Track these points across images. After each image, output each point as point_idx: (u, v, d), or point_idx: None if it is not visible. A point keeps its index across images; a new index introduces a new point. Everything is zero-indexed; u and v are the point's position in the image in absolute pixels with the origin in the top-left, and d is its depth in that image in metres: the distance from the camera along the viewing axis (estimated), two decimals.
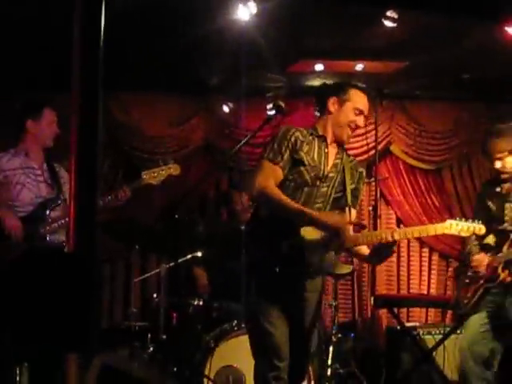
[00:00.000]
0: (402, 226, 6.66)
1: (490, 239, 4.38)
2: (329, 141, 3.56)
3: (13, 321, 1.75)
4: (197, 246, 5.63)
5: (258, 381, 3.49)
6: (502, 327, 4.43)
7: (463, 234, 3.68)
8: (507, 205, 4.45)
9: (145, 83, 6.21)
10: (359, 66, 5.94)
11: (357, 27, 5.13)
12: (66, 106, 1.78)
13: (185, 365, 5.03)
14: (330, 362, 5.49)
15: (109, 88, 2.16)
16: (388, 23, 4.82)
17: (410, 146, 7.12)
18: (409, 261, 7.21)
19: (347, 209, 3.53)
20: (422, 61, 5.80)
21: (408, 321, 6.81)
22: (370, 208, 6.27)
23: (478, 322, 4.46)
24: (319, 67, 5.96)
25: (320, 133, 3.56)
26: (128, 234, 5.38)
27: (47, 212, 4.29)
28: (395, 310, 6.15)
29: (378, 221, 6.02)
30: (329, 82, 5.13)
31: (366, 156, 6.58)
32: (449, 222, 3.62)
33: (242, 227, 4.71)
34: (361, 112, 3.56)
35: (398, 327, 5.79)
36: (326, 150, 3.54)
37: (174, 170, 4.57)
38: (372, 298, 6.33)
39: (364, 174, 3.73)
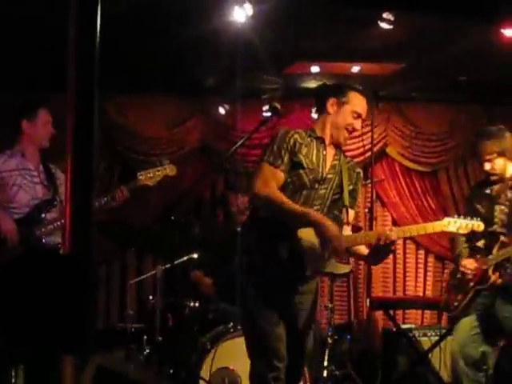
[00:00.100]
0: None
1: (480, 241, 4.38)
2: (327, 142, 3.55)
3: (8, 322, 1.75)
4: (193, 247, 5.62)
5: (255, 382, 3.47)
6: (492, 330, 4.43)
7: (461, 232, 3.68)
8: (497, 207, 4.44)
9: (141, 85, 6.21)
10: (355, 68, 5.94)
11: (353, 29, 5.13)
12: (62, 107, 1.77)
13: (181, 366, 5.02)
14: (326, 363, 5.48)
15: (105, 90, 2.16)
16: (384, 25, 4.81)
17: (406, 147, 7.12)
18: (405, 263, 7.21)
19: (344, 210, 3.53)
20: (418, 63, 5.81)
21: (404, 323, 6.81)
22: (366, 210, 6.26)
23: (468, 324, 4.46)
24: (315, 69, 5.96)
25: (318, 134, 3.55)
26: (124, 235, 5.38)
27: (43, 214, 4.28)
28: (391, 311, 6.17)
29: (374, 223, 6.01)
30: (329, 82, 5.13)
31: (362, 158, 6.58)
32: (447, 219, 3.62)
33: (238, 229, 4.70)
34: (359, 115, 3.55)
35: (394, 329, 5.80)
36: (325, 152, 3.53)
37: (170, 170, 4.56)
38: (368, 300, 6.32)
39: (361, 174, 3.72)
